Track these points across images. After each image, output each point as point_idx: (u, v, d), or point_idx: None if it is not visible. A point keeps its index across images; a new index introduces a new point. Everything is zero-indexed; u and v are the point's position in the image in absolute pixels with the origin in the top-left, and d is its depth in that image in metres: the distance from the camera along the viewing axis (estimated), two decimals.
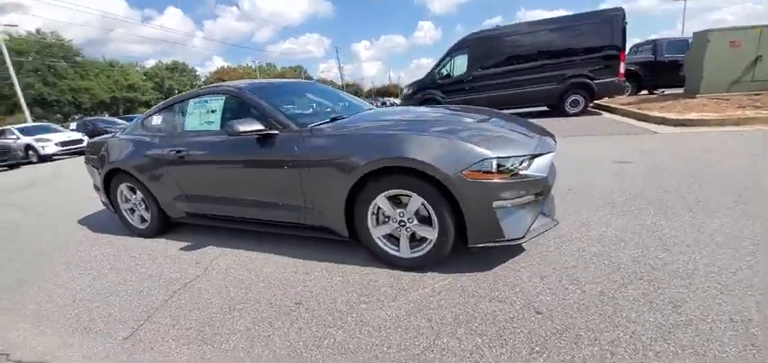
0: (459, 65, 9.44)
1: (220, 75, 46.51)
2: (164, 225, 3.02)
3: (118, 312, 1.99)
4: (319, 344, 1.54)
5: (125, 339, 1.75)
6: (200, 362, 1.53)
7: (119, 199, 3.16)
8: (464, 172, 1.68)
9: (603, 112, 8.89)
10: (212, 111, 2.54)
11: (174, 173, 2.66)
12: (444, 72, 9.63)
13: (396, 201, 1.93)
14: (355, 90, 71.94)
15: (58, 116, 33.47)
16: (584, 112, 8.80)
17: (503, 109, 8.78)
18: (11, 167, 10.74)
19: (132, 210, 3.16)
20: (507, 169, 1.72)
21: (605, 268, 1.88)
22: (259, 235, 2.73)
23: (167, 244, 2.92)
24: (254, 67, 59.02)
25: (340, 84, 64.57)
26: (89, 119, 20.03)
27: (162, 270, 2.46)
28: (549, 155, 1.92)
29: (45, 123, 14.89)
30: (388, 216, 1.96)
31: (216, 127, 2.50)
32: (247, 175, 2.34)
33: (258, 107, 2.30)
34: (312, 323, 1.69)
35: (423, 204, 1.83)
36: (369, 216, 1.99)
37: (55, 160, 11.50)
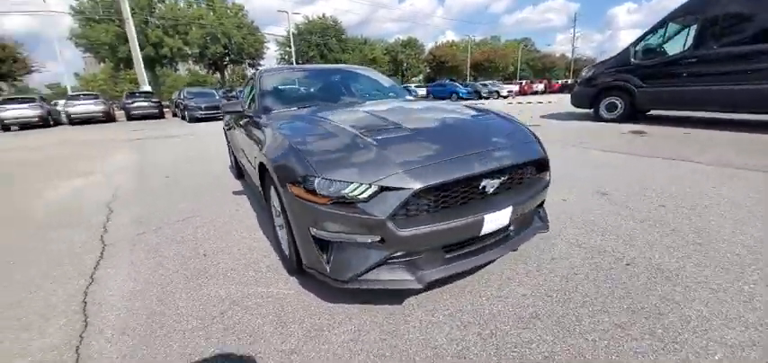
0: (676, 38, 7.02)
1: (435, 51, 51.76)
2: None
3: None
4: None
5: None
6: None
7: None
8: (289, 185, 1.65)
9: None
10: None
11: None
12: (650, 48, 7.29)
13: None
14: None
15: None
16: None
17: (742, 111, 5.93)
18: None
19: None
20: (329, 194, 1.49)
21: None
22: None
23: None
24: (471, 40, 61.35)
25: (571, 58, 57.89)
26: None
27: None
28: (406, 190, 1.45)
29: None
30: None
31: None
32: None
33: None
34: None
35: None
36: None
37: None
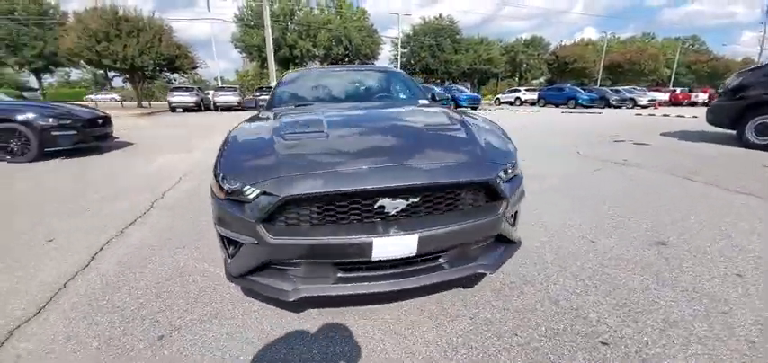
0: None
1: (558, 51, 45.52)
2: None
3: None
4: None
5: None
6: None
7: None
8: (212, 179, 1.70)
9: None
10: None
11: None
12: None
13: None
14: None
15: (437, 81, 48.31)
16: None
17: None
18: None
19: None
20: (226, 192, 1.54)
21: None
22: None
23: None
24: (612, 38, 52.35)
25: (757, 62, 43.37)
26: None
27: None
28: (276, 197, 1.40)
29: None
30: None
31: None
32: None
33: None
34: None
35: None
36: None
37: None
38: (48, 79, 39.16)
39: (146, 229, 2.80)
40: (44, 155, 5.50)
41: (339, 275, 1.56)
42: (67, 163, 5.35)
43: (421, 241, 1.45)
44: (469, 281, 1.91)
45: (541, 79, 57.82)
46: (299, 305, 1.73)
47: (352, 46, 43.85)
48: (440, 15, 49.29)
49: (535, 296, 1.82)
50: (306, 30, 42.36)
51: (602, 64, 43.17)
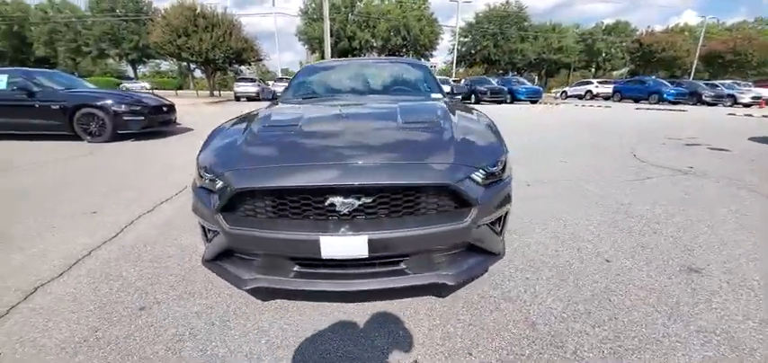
0: None
1: (643, 38, 39.61)
2: None
3: None
4: None
5: None
6: None
7: None
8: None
9: None
10: None
11: None
12: None
13: None
14: None
15: (500, 72, 45.92)
16: None
17: None
18: None
19: None
20: (200, 179, 1.67)
21: None
22: None
23: None
24: (716, 24, 44.80)
25: None
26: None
27: None
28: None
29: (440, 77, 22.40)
30: None
31: None
32: None
33: None
34: None
35: None
36: None
37: None
38: (142, 69, 45.19)
39: (174, 207, 3.11)
40: (117, 137, 6.39)
41: (296, 269, 1.58)
42: (134, 144, 6.15)
43: (371, 243, 1.41)
44: (444, 290, 1.80)
45: (623, 70, 51.78)
46: (265, 296, 1.79)
47: (411, 36, 43.51)
48: (507, 1, 46.38)
49: (511, 314, 1.66)
50: (365, 21, 43.02)
51: (697, 53, 36.84)
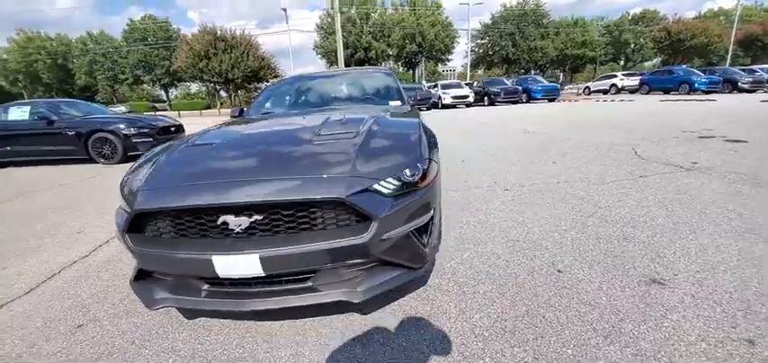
0: None
1: (670, 26, 37.01)
2: None
3: None
4: None
5: None
6: None
7: None
8: None
9: None
10: None
11: None
12: None
13: None
14: None
15: (521, 72, 44.79)
16: None
17: None
18: (428, 108, 17.87)
19: None
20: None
21: None
22: None
23: None
24: (744, 6, 41.60)
25: None
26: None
27: None
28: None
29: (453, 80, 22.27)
30: None
31: None
32: None
33: None
34: None
35: None
36: None
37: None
38: (173, 92, 47.92)
39: None
40: (128, 158, 6.75)
41: (206, 288, 1.57)
42: None
43: (264, 261, 1.38)
44: (365, 307, 1.73)
45: (656, 61, 48.99)
46: (189, 314, 1.79)
47: (426, 42, 43.44)
48: (525, 1, 45.30)
49: (428, 333, 1.56)
50: (380, 32, 43.44)
51: (733, 37, 34.07)
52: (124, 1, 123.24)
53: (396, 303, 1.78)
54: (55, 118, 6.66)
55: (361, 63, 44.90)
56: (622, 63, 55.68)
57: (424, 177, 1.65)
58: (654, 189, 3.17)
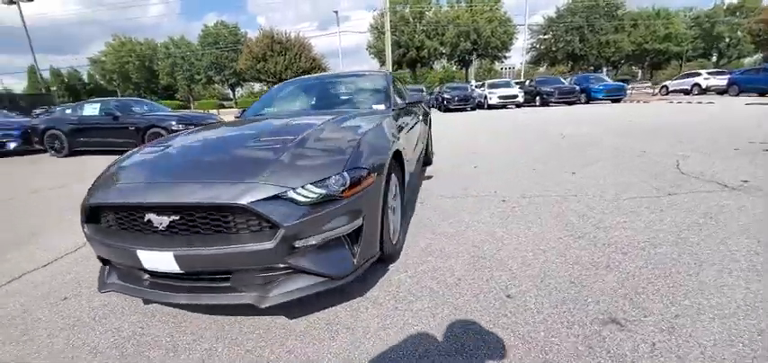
0: None
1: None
2: None
3: None
4: None
5: None
6: None
7: None
8: None
9: None
10: None
11: None
12: None
13: None
14: None
15: (590, 69, 41.15)
16: None
17: None
18: (473, 108, 17.14)
19: None
20: None
21: None
22: None
23: None
24: None
25: None
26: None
27: None
28: None
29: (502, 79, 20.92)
30: None
31: None
32: None
33: None
34: None
35: None
36: None
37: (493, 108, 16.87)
38: (239, 91, 52.26)
39: None
40: None
41: (147, 278, 1.72)
42: None
43: (179, 259, 1.47)
44: (288, 308, 1.75)
45: (756, 57, 41.72)
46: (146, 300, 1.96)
47: (481, 39, 41.91)
48: None
49: (327, 344, 1.52)
50: (433, 30, 42.85)
51: None
52: (204, 7, 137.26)
53: (328, 310, 1.76)
54: (119, 114, 7.69)
55: (413, 62, 44.76)
56: (715, 59, 48.35)
57: (352, 186, 1.63)
58: (677, 210, 2.72)
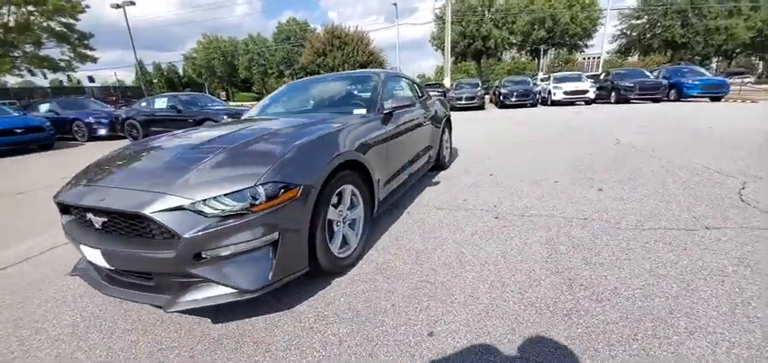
0: None
1: None
2: None
3: None
4: None
5: None
6: None
7: None
8: None
9: None
10: None
11: None
12: None
13: None
14: None
15: (696, 59, 35.30)
16: None
17: None
18: (532, 105, 15.72)
19: None
20: None
21: None
22: None
23: None
24: None
25: None
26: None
27: None
28: None
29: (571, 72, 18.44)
30: None
31: None
32: None
33: None
34: None
35: None
36: None
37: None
38: None
39: None
40: None
41: (101, 270, 1.93)
42: None
43: (106, 255, 1.65)
44: (219, 313, 1.82)
45: None
46: None
47: (558, 26, 38.43)
48: None
49: (231, 357, 1.54)
50: (503, 19, 40.44)
51: None
52: (281, 5, 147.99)
53: (250, 320, 1.80)
54: (181, 108, 8.71)
55: (478, 53, 42.87)
56: None
57: (269, 199, 1.64)
58: (704, 250, 2.19)
